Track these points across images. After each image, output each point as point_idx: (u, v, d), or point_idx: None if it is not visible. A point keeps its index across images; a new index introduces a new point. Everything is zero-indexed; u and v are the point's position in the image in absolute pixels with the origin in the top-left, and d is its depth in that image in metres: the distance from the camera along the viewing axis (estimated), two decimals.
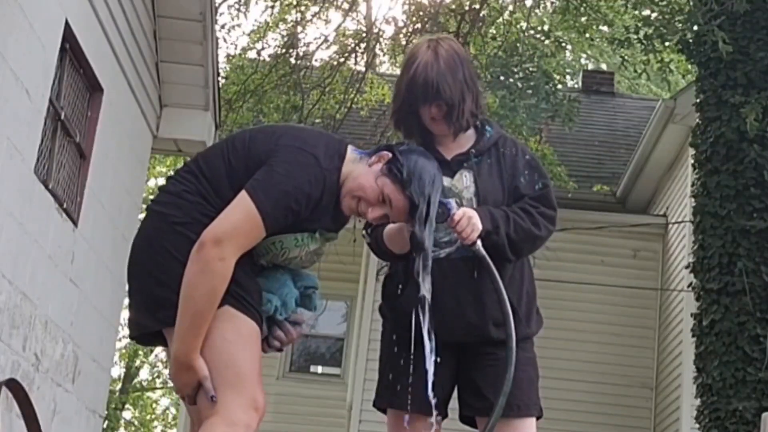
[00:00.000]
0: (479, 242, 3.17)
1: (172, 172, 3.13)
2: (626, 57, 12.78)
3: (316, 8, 13.78)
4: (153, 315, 2.91)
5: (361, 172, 3.01)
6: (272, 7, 14.36)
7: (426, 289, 3.07)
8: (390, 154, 3.03)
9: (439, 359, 3.11)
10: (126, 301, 3.16)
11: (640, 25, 9.80)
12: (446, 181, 3.30)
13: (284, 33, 14.04)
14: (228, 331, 2.84)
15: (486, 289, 3.24)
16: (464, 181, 3.37)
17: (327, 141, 3.05)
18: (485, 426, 3.12)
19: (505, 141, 3.48)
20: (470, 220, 3.16)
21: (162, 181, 3.23)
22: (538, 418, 3.38)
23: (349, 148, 3.07)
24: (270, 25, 14.38)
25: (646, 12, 10.74)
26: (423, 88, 3.28)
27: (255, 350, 2.89)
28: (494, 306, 3.22)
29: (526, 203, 3.36)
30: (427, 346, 3.08)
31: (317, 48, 13.80)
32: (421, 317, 3.07)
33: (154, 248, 2.93)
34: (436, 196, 3.06)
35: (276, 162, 2.92)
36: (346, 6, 13.86)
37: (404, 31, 12.98)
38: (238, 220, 2.87)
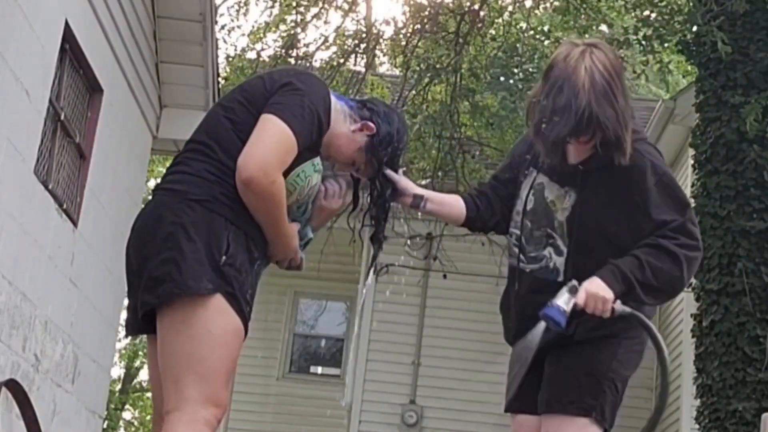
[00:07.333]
0: (617, 306, 2.92)
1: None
2: (625, 58, 12.75)
3: (315, 9, 13.76)
4: (152, 292, 2.85)
5: (343, 132, 3.11)
6: (271, 7, 14.34)
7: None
8: (374, 127, 3.11)
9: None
10: (126, 301, 3.11)
11: (639, 26, 9.78)
12: (551, 194, 3.13)
13: (284, 34, 14.02)
14: (213, 324, 2.82)
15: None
16: (566, 200, 3.10)
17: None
18: None
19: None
20: (596, 297, 2.91)
21: None
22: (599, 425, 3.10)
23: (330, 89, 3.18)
24: (270, 25, 14.35)
25: (646, 12, 10.72)
26: (578, 121, 2.95)
27: (232, 349, 2.87)
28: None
29: (664, 235, 2.94)
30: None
31: (317, 49, 13.78)
32: None
33: (165, 226, 2.89)
34: (400, 158, 3.20)
35: (288, 88, 2.98)
36: (345, 6, 13.84)
37: (404, 31, 12.97)
38: (274, 142, 2.88)
